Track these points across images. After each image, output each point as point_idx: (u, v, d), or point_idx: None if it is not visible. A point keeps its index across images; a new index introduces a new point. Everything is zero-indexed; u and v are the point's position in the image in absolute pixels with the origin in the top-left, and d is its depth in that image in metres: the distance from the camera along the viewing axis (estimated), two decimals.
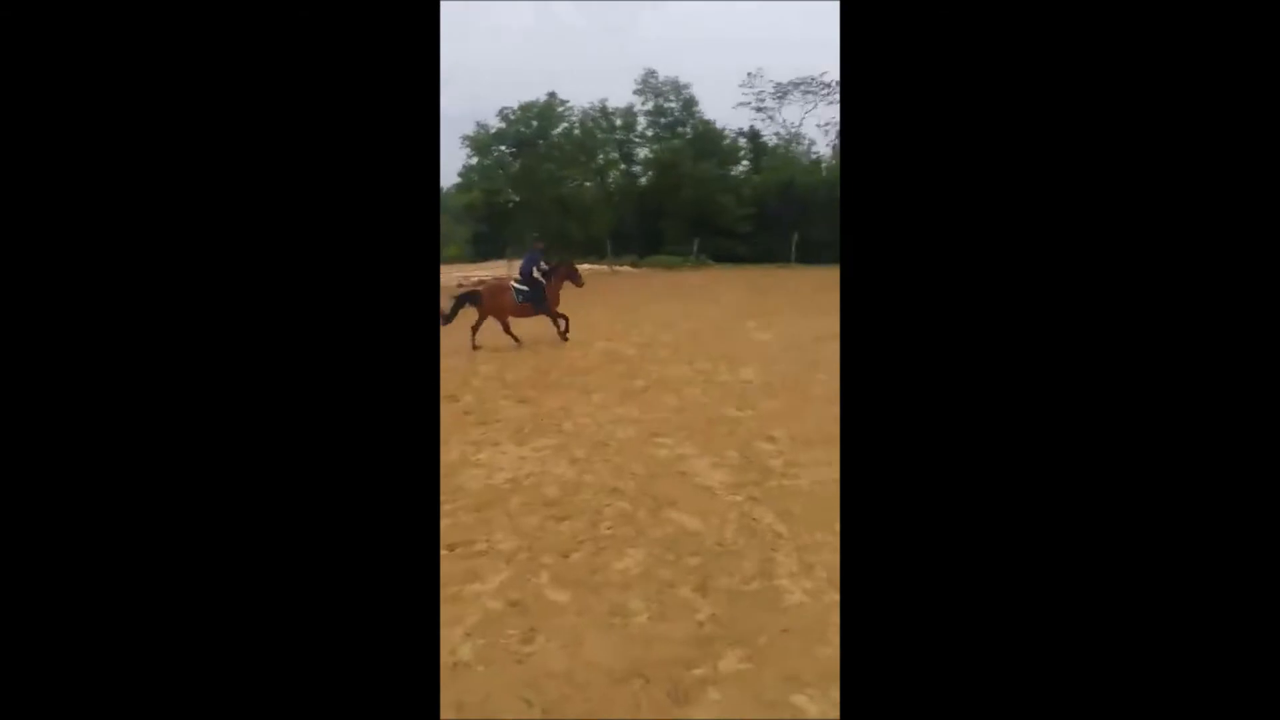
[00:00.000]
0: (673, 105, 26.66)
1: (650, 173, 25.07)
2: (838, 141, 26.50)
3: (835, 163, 25.33)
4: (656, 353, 6.99)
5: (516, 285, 7.69)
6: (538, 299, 7.66)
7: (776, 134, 28.43)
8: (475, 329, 7.64)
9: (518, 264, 8.56)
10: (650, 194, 24.11)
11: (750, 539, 2.72)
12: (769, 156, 26.71)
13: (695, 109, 26.60)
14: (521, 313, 7.68)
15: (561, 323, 7.84)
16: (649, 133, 26.57)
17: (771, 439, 4.00)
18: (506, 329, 7.67)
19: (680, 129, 26.24)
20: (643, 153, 26.63)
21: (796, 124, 28.90)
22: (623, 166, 26.79)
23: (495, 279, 7.76)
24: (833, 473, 3.40)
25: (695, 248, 21.59)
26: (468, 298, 7.72)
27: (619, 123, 26.55)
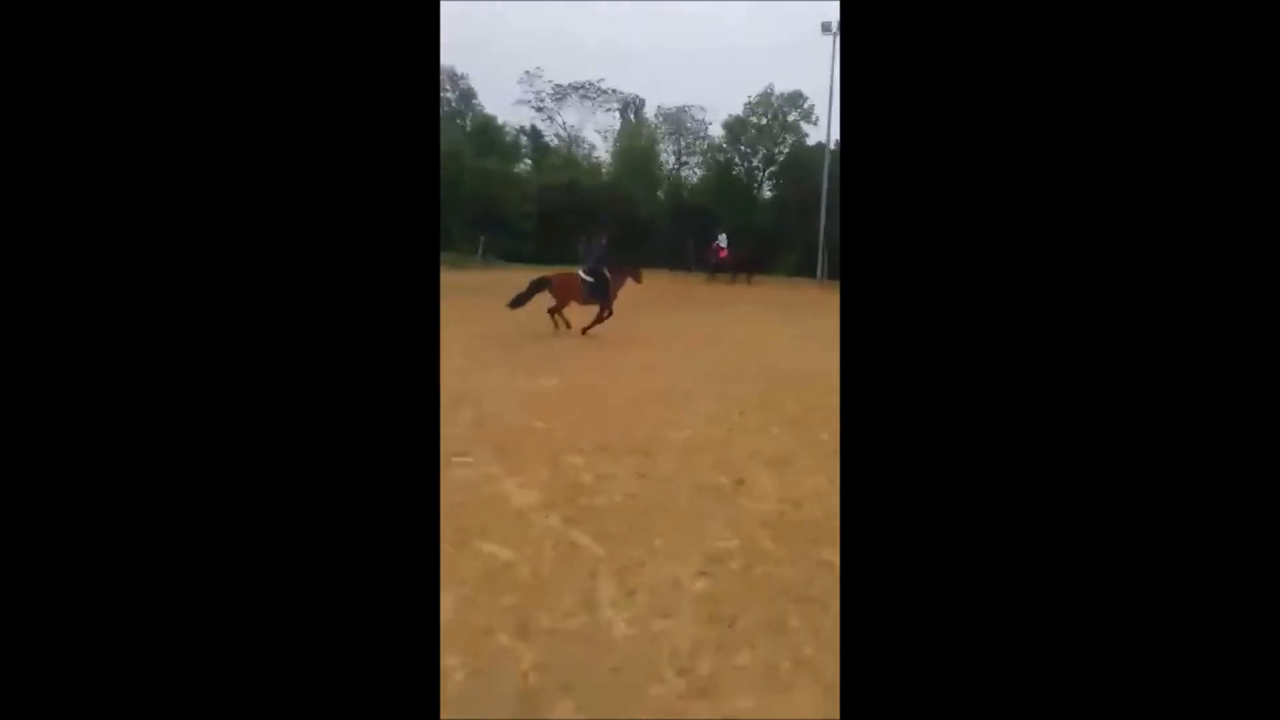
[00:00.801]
0: (449, 95, 25.45)
1: None
2: (617, 147, 27.47)
3: (615, 168, 26.21)
4: (449, 360, 6.52)
5: (584, 277, 8.27)
6: (602, 292, 8.32)
7: (557, 135, 28.65)
8: (552, 311, 8.36)
9: None
10: None
11: (568, 566, 2.58)
12: (551, 156, 26.81)
13: (474, 101, 25.72)
14: (585, 302, 8.38)
15: (605, 314, 8.46)
16: None
17: (580, 451, 3.91)
18: (558, 311, 8.37)
19: (459, 120, 25.16)
20: None
21: (576, 127, 29.40)
22: None
23: (564, 272, 8.58)
24: (644, 484, 3.41)
25: (481, 247, 20.83)
26: (541, 283, 8.27)
27: None
